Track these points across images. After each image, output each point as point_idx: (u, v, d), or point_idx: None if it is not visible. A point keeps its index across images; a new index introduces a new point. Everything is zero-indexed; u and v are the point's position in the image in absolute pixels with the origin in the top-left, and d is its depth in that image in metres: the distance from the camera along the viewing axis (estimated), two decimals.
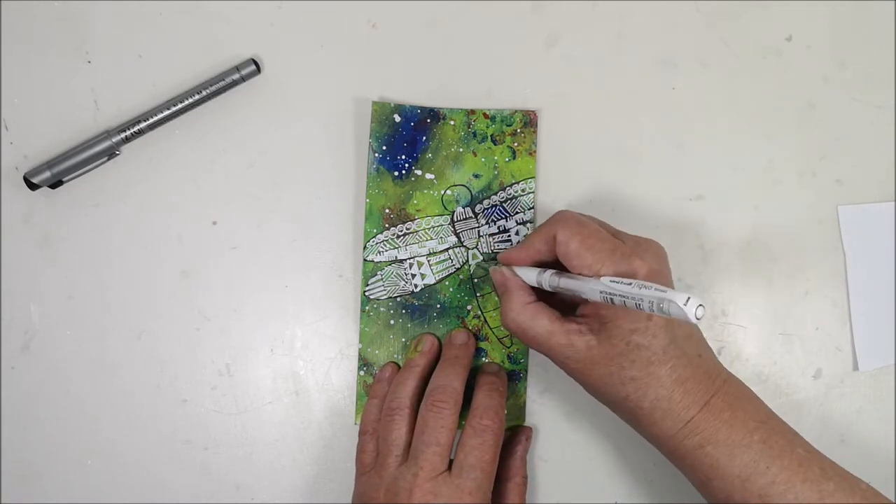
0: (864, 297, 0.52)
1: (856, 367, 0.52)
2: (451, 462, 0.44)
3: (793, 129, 0.52)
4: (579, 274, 0.41)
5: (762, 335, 0.52)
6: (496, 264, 0.47)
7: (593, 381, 0.42)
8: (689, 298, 0.33)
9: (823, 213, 0.52)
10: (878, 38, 0.52)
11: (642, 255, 0.41)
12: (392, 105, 0.50)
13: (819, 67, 0.52)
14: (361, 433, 0.48)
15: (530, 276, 0.44)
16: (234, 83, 0.50)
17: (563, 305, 0.45)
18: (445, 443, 0.43)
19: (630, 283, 0.37)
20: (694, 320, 0.33)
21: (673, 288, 0.42)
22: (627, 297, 0.36)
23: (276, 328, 0.51)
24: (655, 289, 0.35)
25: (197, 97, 0.50)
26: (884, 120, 0.52)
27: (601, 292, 0.38)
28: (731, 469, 0.40)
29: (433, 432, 0.43)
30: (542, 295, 0.44)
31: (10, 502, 0.51)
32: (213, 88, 0.50)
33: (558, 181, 0.51)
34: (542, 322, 0.43)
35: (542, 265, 0.45)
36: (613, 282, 0.38)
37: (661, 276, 0.41)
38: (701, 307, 0.33)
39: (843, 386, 0.52)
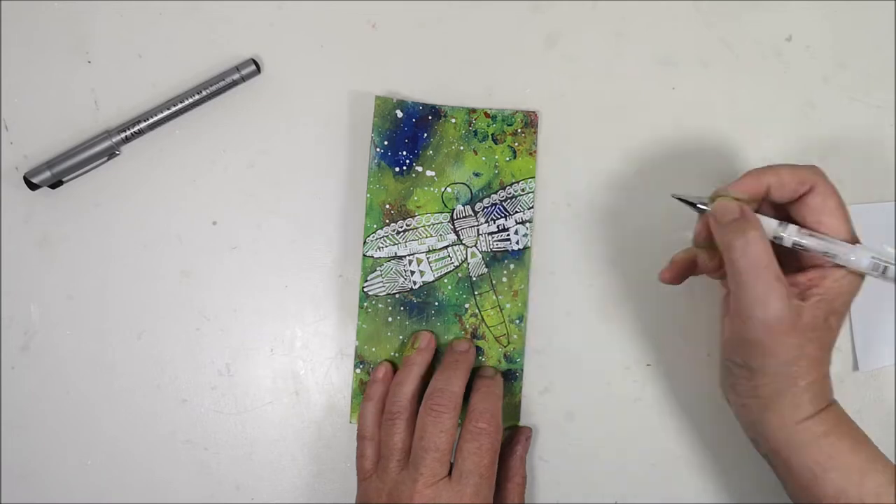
0: (864, 297, 0.52)
1: (856, 367, 0.52)
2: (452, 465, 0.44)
3: (793, 129, 0.52)
4: (825, 234, 0.41)
5: None
6: (705, 202, 0.44)
7: (773, 347, 0.40)
8: None
9: None
10: (878, 38, 0.52)
11: None
12: (394, 101, 0.50)
13: (819, 67, 0.52)
14: (360, 437, 0.47)
15: (767, 225, 0.42)
16: (234, 83, 0.50)
17: None
18: (445, 448, 0.43)
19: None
20: None
21: None
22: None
23: (276, 328, 0.51)
24: None
25: (197, 97, 0.50)
26: (884, 120, 0.52)
27: (873, 257, 0.38)
28: (852, 462, 0.40)
29: (432, 438, 0.43)
30: None
31: (10, 502, 0.51)
32: (213, 88, 0.50)
33: (558, 181, 0.51)
34: (775, 264, 0.40)
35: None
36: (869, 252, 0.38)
37: None
38: None
39: (843, 386, 0.51)
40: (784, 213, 0.44)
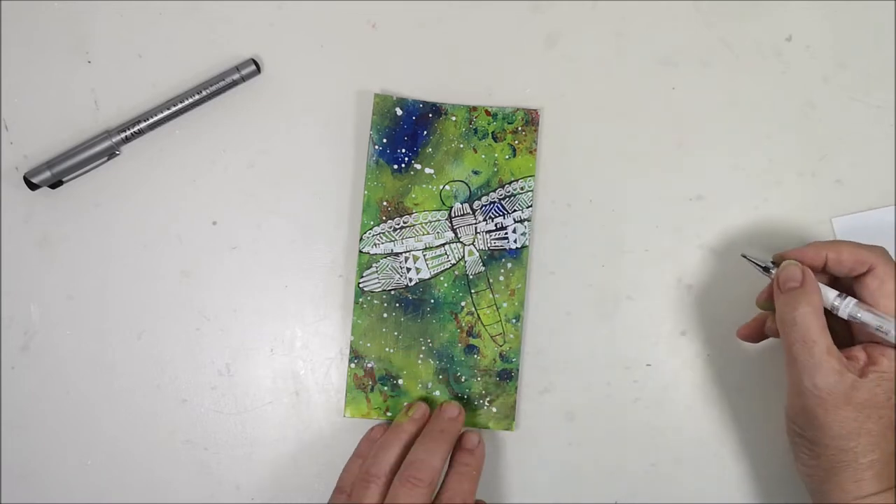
0: None
1: None
2: None
3: (793, 129, 0.52)
4: (878, 306, 0.42)
5: None
6: (768, 264, 0.46)
7: (827, 420, 0.41)
8: None
9: (823, 214, 0.52)
10: (878, 38, 0.52)
11: None
12: (394, 98, 0.50)
13: (819, 67, 0.52)
14: (337, 491, 0.46)
15: (826, 294, 0.43)
16: (234, 83, 0.50)
17: None
18: None
19: None
20: None
21: None
22: None
23: (276, 328, 0.51)
24: None
25: (197, 97, 0.50)
26: (884, 120, 0.52)
27: None
28: None
29: None
30: None
31: (10, 502, 0.51)
32: (213, 88, 0.50)
33: (557, 180, 0.51)
34: (827, 337, 0.41)
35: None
36: None
37: None
38: None
39: None
40: (849, 284, 0.45)
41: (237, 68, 0.50)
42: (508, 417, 0.50)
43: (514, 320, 0.50)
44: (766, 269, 0.46)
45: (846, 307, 0.43)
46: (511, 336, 0.50)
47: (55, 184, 0.50)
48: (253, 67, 0.50)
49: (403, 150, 0.50)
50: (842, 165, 0.52)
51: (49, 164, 0.49)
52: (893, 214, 0.51)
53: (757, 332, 0.48)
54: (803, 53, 0.52)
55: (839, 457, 0.41)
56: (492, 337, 0.50)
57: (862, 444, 0.40)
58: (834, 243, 0.44)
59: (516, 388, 0.50)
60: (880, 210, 0.51)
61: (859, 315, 0.42)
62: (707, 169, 0.52)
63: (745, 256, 0.47)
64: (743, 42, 0.52)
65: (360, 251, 0.50)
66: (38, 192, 0.50)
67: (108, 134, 0.50)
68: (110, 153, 0.50)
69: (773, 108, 0.52)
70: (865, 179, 0.52)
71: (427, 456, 0.44)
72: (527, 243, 0.50)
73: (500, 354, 0.50)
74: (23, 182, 0.50)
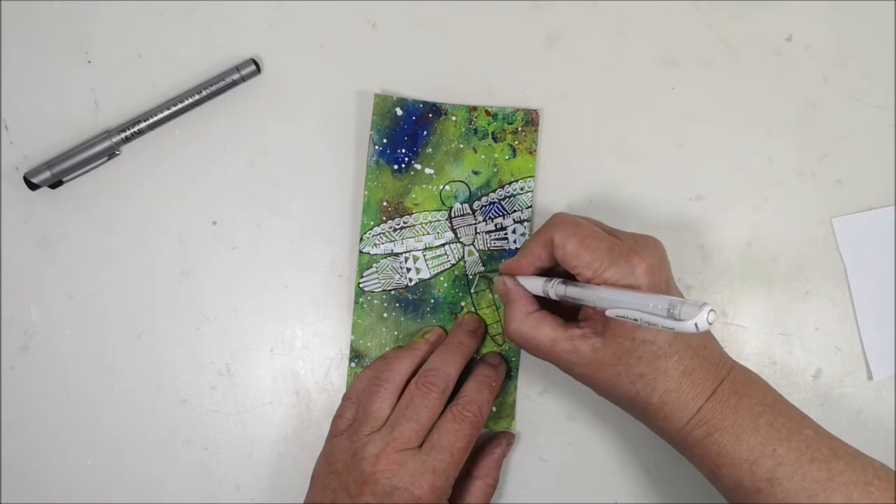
0: (871, 306, 0.51)
1: (870, 377, 0.51)
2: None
3: (793, 129, 0.52)
4: (579, 274, 0.41)
5: (762, 335, 0.52)
6: (499, 275, 0.47)
7: (601, 382, 0.42)
8: (702, 305, 0.33)
9: (823, 214, 0.52)
10: (878, 38, 0.52)
11: (640, 252, 0.41)
12: (394, 98, 0.50)
13: (819, 67, 0.52)
14: (345, 398, 0.47)
15: (536, 285, 0.44)
16: (234, 83, 0.50)
17: (569, 308, 0.45)
18: (425, 422, 0.43)
19: (636, 297, 0.37)
20: (706, 326, 0.33)
21: (674, 285, 0.43)
22: (639, 319, 0.36)
23: (276, 328, 0.51)
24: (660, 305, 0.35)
25: (197, 97, 0.50)
26: (884, 120, 0.52)
27: (614, 312, 0.38)
28: (739, 454, 0.40)
29: (416, 409, 0.44)
30: (546, 302, 0.44)
31: (10, 502, 0.51)
32: (213, 88, 0.50)
33: (557, 180, 0.51)
34: (545, 331, 0.43)
35: (545, 272, 0.45)
36: (618, 292, 0.38)
37: (659, 270, 0.41)
38: (712, 312, 0.33)
39: (842, 386, 0.51)
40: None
41: (237, 68, 0.50)
42: (508, 417, 0.50)
43: None
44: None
45: (554, 290, 0.42)
46: None
47: (55, 184, 0.50)
48: (253, 67, 0.50)
49: (403, 151, 0.50)
50: (842, 165, 0.52)
51: (49, 164, 0.49)
52: (893, 214, 0.51)
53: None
54: (803, 53, 0.52)
55: (634, 404, 0.42)
56: (491, 337, 0.50)
57: (641, 387, 0.41)
58: (525, 246, 0.45)
59: (516, 387, 0.50)
60: (880, 210, 0.51)
61: (567, 293, 0.42)
62: (707, 169, 0.52)
63: (479, 274, 0.50)
64: (743, 42, 0.52)
65: (360, 251, 0.50)
66: (38, 192, 0.50)
67: (108, 134, 0.50)
68: (110, 153, 0.50)
69: (773, 108, 0.52)
70: (865, 179, 0.52)
71: (442, 364, 0.46)
72: None
73: (500, 354, 0.50)
74: (23, 182, 0.50)
